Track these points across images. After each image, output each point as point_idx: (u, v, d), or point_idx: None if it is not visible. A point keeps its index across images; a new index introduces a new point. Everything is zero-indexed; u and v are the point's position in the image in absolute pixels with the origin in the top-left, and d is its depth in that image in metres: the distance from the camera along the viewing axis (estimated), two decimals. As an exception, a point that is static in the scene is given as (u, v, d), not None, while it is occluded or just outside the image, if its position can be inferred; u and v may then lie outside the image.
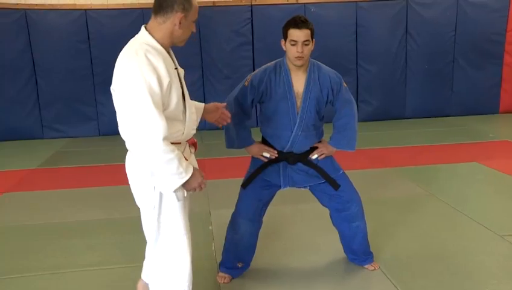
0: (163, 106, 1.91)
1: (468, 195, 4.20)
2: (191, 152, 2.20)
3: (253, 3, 7.29)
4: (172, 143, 1.95)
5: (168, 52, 2.05)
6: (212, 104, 2.35)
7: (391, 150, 6.01)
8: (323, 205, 2.80)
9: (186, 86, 2.18)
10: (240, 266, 2.77)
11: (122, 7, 7.15)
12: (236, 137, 2.63)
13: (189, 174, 1.97)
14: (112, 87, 1.99)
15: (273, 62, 2.61)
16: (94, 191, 4.63)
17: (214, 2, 7.28)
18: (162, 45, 1.98)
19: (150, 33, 1.98)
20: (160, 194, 2.03)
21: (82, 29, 6.98)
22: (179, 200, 2.05)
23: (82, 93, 7.14)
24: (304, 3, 7.30)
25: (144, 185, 2.04)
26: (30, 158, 5.96)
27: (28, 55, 7.03)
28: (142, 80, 1.84)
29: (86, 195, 4.51)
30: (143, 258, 2.48)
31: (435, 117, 7.89)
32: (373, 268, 2.86)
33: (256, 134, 2.72)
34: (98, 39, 6.95)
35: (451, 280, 2.74)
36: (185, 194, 2.06)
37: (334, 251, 2.99)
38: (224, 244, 2.79)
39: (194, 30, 2.07)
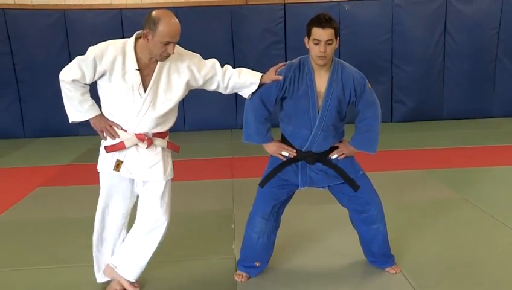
0: (87, 75, 2.43)
1: (503, 200, 4.05)
2: (138, 145, 2.50)
3: (286, 2, 7.30)
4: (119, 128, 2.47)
5: (151, 61, 2.42)
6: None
7: (425, 151, 5.88)
8: (343, 205, 2.79)
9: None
10: (257, 265, 2.79)
11: (156, 6, 7.30)
12: (256, 132, 2.64)
13: (87, 116, 2.49)
14: None
15: (298, 59, 2.61)
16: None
17: (246, 0, 7.33)
18: (138, 51, 2.40)
19: (135, 39, 2.42)
20: (100, 164, 2.56)
21: (117, 27, 7.16)
22: (100, 172, 2.59)
23: (116, 91, 7.32)
24: (338, 1, 7.25)
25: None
26: (65, 154, 6.19)
27: (66, 54, 7.25)
28: (89, 50, 2.40)
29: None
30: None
31: (475, 119, 7.65)
32: (394, 272, 2.82)
33: (276, 134, 2.73)
34: (133, 38, 7.11)
35: (475, 288, 2.66)
36: (120, 174, 2.53)
37: (355, 253, 2.97)
38: (242, 243, 2.83)
39: (171, 51, 2.36)
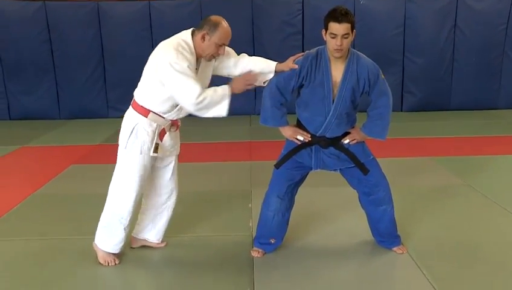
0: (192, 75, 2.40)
1: (506, 187, 3.97)
2: (170, 129, 2.63)
3: (304, -5, 7.20)
4: (156, 114, 2.51)
5: (198, 58, 2.48)
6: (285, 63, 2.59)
7: (432, 140, 5.78)
8: (353, 187, 2.77)
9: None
10: (272, 242, 2.79)
11: (183, -1, 7.27)
12: (271, 115, 2.62)
13: (228, 92, 2.48)
14: (149, 65, 2.53)
15: (315, 49, 2.57)
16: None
17: (267, -7, 7.24)
18: (194, 48, 2.44)
19: (192, 36, 2.45)
20: (130, 143, 2.52)
21: (145, 18, 7.16)
22: (140, 153, 2.53)
23: (143, 77, 7.35)
24: (354, -5, 7.13)
25: (124, 130, 2.57)
26: (96, 135, 6.23)
27: (98, 43, 7.30)
28: (177, 60, 2.35)
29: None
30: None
31: (481, 110, 7.49)
32: (401, 252, 2.79)
33: (292, 120, 2.70)
34: (159, 27, 7.09)
35: (480, 268, 2.63)
36: (158, 155, 2.57)
37: (364, 233, 2.94)
38: (259, 221, 2.82)
39: (222, 53, 2.48)
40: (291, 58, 2.58)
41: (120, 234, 2.67)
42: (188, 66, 2.35)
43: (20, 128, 6.87)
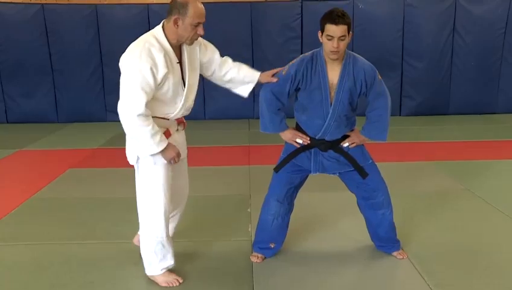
0: (151, 91, 2.21)
1: (505, 192, 3.96)
2: (178, 129, 2.51)
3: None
4: (159, 118, 2.34)
5: (177, 48, 2.32)
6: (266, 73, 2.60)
7: (431, 144, 5.77)
8: (351, 191, 2.76)
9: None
10: (272, 246, 2.77)
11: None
12: (270, 122, 2.61)
13: (160, 148, 2.27)
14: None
15: (310, 52, 2.55)
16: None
17: (266, -3, 7.25)
18: (169, 41, 2.27)
19: (163, 30, 2.28)
20: (138, 159, 2.36)
21: (144, 21, 7.13)
22: (155, 163, 2.35)
23: (142, 81, 7.35)
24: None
25: (129, 149, 2.41)
26: (94, 138, 6.22)
27: (96, 46, 7.29)
28: (137, 68, 2.17)
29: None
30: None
31: (480, 114, 7.50)
32: (402, 257, 2.78)
33: (291, 123, 2.69)
34: (158, 31, 7.10)
35: (480, 274, 2.61)
36: (165, 162, 2.36)
37: (364, 238, 2.92)
38: (258, 225, 2.81)
39: (201, 32, 2.29)
40: (272, 72, 2.58)
41: (164, 252, 2.50)
42: (151, 69, 2.16)
43: (18, 132, 6.85)
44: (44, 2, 7.23)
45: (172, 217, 2.69)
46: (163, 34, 2.27)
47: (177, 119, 2.49)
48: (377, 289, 2.52)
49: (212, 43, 2.58)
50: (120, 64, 2.25)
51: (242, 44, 7.14)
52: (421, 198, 3.81)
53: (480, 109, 7.56)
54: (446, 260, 2.77)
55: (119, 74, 2.28)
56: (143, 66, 2.16)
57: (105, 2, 7.29)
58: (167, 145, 2.31)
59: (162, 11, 7.15)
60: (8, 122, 7.49)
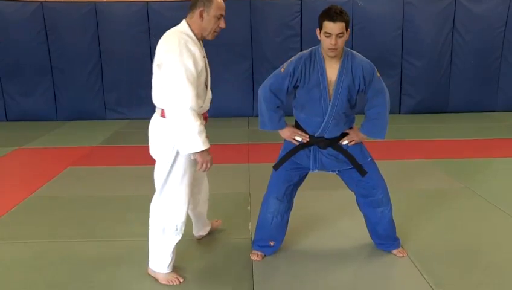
0: (196, 83, 2.27)
1: (505, 190, 3.96)
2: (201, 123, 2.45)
3: (302, -3, 7.20)
4: None
5: (200, 43, 2.39)
6: None
7: (430, 142, 5.77)
8: (350, 189, 2.75)
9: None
10: (272, 244, 2.77)
11: (181, 0, 7.24)
12: (269, 120, 2.60)
13: (205, 147, 2.29)
14: (156, 64, 2.33)
15: (309, 50, 2.55)
16: (148, 169, 4.72)
17: (265, -4, 7.24)
18: (196, 36, 2.35)
19: (189, 26, 2.35)
20: (177, 154, 2.35)
21: (143, 19, 7.14)
22: (192, 159, 2.37)
23: (141, 79, 7.30)
24: (352, -2, 7.13)
25: (164, 143, 2.37)
26: (93, 137, 6.20)
27: (96, 44, 7.27)
28: (181, 63, 2.21)
29: (140, 172, 4.63)
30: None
31: (479, 112, 7.51)
32: (401, 255, 2.78)
33: (290, 121, 2.68)
34: (157, 29, 7.04)
35: (480, 272, 2.61)
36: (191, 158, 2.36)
37: (363, 236, 2.92)
38: (257, 223, 2.81)
39: (223, 25, 2.38)
40: None
41: (173, 248, 2.52)
42: (193, 62, 2.23)
43: (17, 130, 6.83)
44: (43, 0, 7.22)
45: (202, 209, 2.90)
46: (190, 29, 2.34)
47: (203, 114, 2.51)
48: (377, 287, 2.52)
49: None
50: (162, 62, 2.26)
51: (241, 42, 7.14)
52: (420, 196, 3.80)
53: (480, 107, 7.57)
54: (446, 258, 2.77)
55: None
56: (186, 61, 2.23)
57: (104, 0, 7.27)
58: (207, 148, 2.32)
59: (161, 8, 7.16)
60: (7, 121, 7.47)
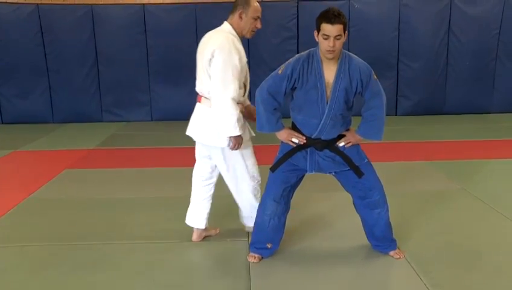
0: (238, 77, 2.63)
1: (503, 192, 3.96)
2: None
3: (299, 0, 7.21)
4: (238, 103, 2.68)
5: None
6: None
7: (427, 144, 5.79)
8: (347, 191, 2.76)
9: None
10: (269, 247, 2.77)
11: (178, 2, 7.25)
12: (266, 122, 2.60)
13: (239, 133, 2.65)
14: (206, 58, 2.64)
15: (307, 51, 2.55)
16: (145, 171, 4.75)
17: (262, -2, 7.25)
18: (237, 34, 2.69)
19: (231, 26, 2.70)
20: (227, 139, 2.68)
21: (140, 22, 7.14)
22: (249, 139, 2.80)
23: (138, 81, 7.33)
24: None
25: (214, 130, 2.70)
26: (90, 139, 6.20)
27: (92, 45, 7.28)
28: (229, 59, 2.59)
29: (137, 174, 4.64)
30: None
31: (475, 114, 7.54)
32: (398, 256, 2.78)
33: (287, 123, 2.68)
34: (154, 31, 7.10)
35: (477, 273, 2.61)
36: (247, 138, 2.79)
37: (360, 238, 2.92)
38: (254, 225, 2.80)
39: (259, 26, 2.76)
40: None
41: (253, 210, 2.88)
42: (239, 59, 2.60)
43: (13, 133, 6.82)
44: (39, 2, 7.21)
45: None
46: (233, 28, 2.69)
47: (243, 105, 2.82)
48: (374, 288, 2.52)
49: None
50: (214, 56, 2.59)
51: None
52: (417, 198, 3.81)
53: (476, 108, 7.60)
54: (443, 259, 2.77)
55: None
56: (234, 58, 2.60)
57: (100, 2, 7.27)
58: (240, 135, 2.68)
59: (158, 11, 7.16)
60: (3, 123, 7.46)
